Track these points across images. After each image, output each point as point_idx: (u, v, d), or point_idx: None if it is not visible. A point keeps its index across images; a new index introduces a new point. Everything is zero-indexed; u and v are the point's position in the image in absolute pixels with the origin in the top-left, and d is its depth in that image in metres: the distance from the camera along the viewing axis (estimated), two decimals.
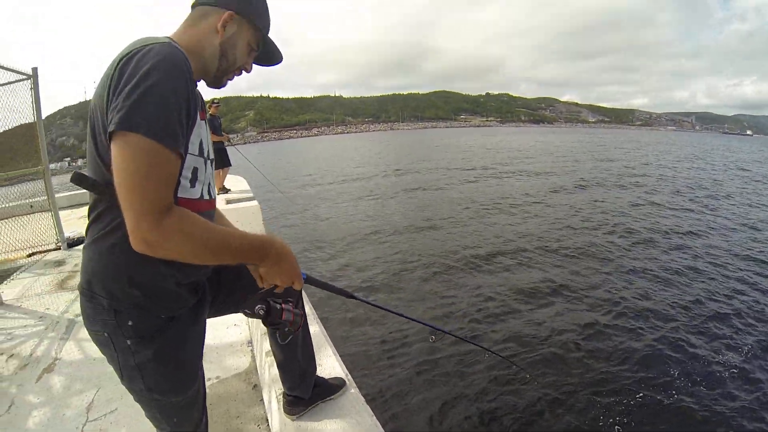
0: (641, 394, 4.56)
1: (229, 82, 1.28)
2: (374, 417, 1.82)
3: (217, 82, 1.24)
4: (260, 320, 1.35)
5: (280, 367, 1.78)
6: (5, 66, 4.77)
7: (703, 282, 7.73)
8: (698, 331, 5.93)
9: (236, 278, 1.48)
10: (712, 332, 5.93)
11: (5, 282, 4.48)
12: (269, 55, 1.35)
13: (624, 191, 17.83)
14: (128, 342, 1.13)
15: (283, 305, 1.34)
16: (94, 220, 1.12)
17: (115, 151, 0.90)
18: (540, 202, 15.33)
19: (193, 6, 1.21)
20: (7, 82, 4.94)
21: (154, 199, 0.89)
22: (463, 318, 6.44)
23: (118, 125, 0.89)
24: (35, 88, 5.25)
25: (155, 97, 0.91)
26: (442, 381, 4.83)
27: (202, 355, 1.36)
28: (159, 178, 0.91)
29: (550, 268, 8.49)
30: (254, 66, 1.33)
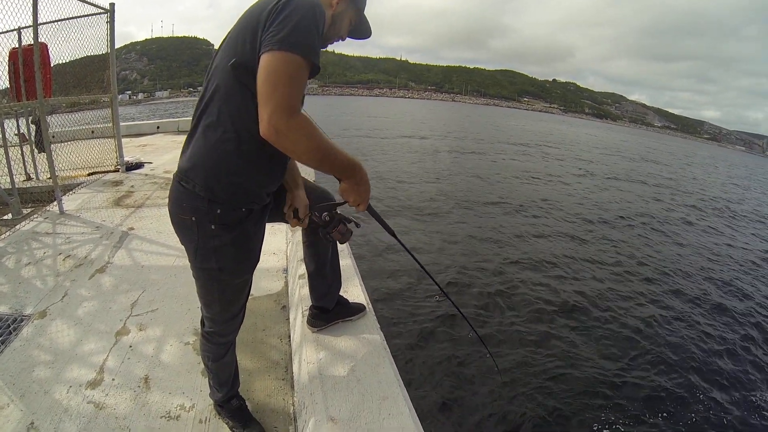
0: None
1: (330, 46, 1.53)
2: (385, 341, 1.98)
3: (322, 44, 1.45)
4: (319, 225, 1.56)
5: (311, 276, 1.98)
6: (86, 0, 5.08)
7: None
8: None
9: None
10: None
11: (67, 194, 4.83)
12: (363, 31, 1.59)
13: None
14: (212, 227, 1.35)
15: (343, 220, 1.54)
16: (208, 114, 1.29)
17: (269, 59, 1.10)
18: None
19: None
20: (87, 14, 5.26)
21: (290, 100, 1.10)
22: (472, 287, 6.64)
23: (278, 43, 1.10)
24: (111, 22, 5.52)
25: (306, 27, 1.13)
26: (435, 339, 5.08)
27: (261, 248, 1.57)
28: (298, 85, 1.12)
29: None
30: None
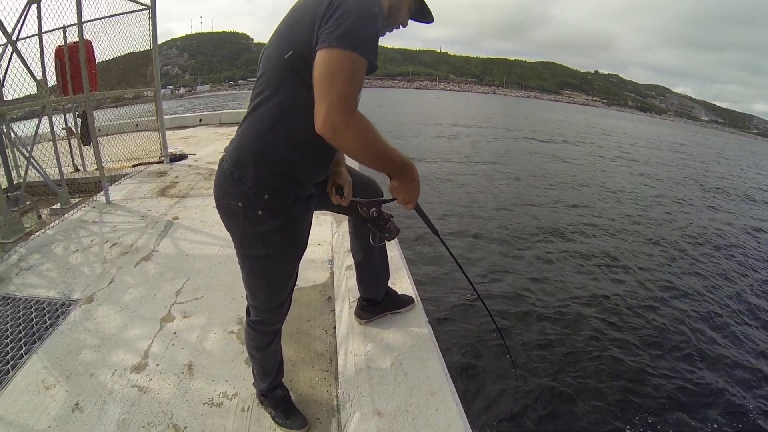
0: None
1: (388, 33, 1.49)
2: (433, 334, 1.90)
3: (380, 33, 1.40)
4: (366, 219, 1.50)
5: (358, 267, 1.92)
6: None
7: None
8: None
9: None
10: None
11: (113, 185, 4.93)
12: (425, 14, 1.53)
13: None
14: (260, 212, 1.32)
15: (389, 217, 1.49)
16: (260, 104, 1.27)
17: (327, 55, 1.07)
18: None
19: None
20: (129, 11, 5.35)
21: (348, 98, 1.07)
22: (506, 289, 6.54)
23: (336, 40, 1.06)
24: (153, 18, 5.59)
25: (365, 24, 1.10)
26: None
27: (309, 236, 1.52)
28: (356, 84, 1.09)
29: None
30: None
